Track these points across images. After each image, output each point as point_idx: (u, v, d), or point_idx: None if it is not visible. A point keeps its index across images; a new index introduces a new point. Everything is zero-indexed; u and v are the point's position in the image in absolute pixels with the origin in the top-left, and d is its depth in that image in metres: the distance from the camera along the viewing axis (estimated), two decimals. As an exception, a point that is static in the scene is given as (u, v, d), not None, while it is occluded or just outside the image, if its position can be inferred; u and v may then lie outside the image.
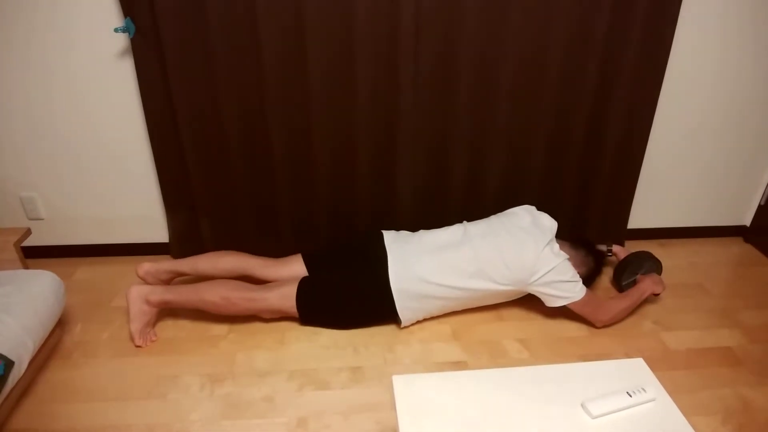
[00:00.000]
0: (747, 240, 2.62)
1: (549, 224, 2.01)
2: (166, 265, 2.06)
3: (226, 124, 2.03)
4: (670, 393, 1.17)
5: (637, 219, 2.53)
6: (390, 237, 2.03)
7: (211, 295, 1.88)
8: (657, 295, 2.11)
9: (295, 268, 2.04)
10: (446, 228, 2.07)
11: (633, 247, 2.49)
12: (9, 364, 1.49)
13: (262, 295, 1.90)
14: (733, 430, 1.62)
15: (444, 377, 1.20)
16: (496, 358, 1.88)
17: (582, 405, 1.12)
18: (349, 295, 1.94)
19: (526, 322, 2.05)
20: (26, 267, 1.89)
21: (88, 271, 2.32)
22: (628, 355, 1.89)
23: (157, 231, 2.35)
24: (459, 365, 1.84)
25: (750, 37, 2.14)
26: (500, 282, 1.90)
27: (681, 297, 2.21)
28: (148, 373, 1.79)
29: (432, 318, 2.04)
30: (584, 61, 2.01)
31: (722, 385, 1.78)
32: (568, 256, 1.92)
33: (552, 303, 1.93)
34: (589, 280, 2.10)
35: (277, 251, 2.23)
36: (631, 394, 1.13)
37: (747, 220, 2.62)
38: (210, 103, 2.00)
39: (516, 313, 2.10)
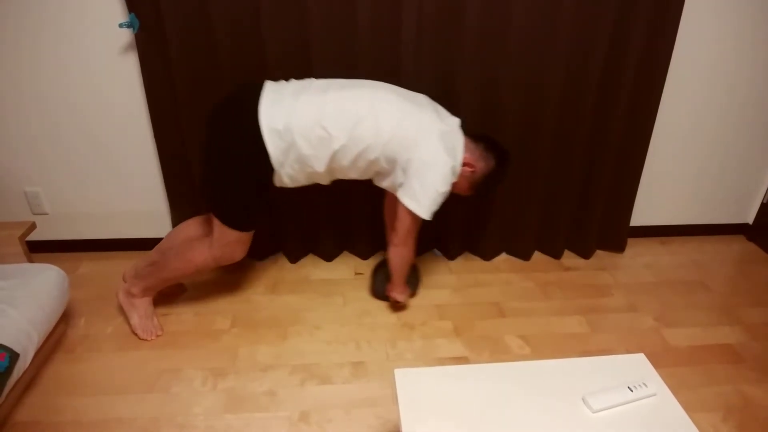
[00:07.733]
0: (749, 238, 2.62)
1: (456, 119, 1.82)
2: (140, 261, 2.08)
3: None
4: (671, 389, 1.17)
5: (640, 216, 2.53)
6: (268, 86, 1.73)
7: (174, 261, 1.88)
8: (397, 302, 2.06)
9: None
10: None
11: (633, 244, 2.50)
12: (14, 356, 1.50)
13: (209, 239, 1.85)
14: (734, 426, 1.62)
15: (446, 371, 1.20)
16: (498, 353, 1.88)
17: (583, 399, 1.13)
18: (216, 162, 1.73)
19: (527, 319, 2.05)
20: (31, 261, 1.90)
21: (92, 265, 2.33)
22: (629, 352, 1.89)
23: (162, 226, 2.36)
24: (460, 361, 1.85)
25: (754, 35, 2.14)
26: (383, 140, 1.66)
27: (683, 294, 2.21)
28: (151, 367, 1.81)
29: (432, 313, 2.06)
30: (587, 59, 2.01)
31: (723, 382, 1.78)
32: (452, 180, 1.74)
33: (402, 193, 1.73)
34: (486, 181, 1.85)
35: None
36: (632, 388, 1.14)
37: (750, 218, 2.62)
38: (214, 97, 1.99)
39: (517, 309, 2.10)
